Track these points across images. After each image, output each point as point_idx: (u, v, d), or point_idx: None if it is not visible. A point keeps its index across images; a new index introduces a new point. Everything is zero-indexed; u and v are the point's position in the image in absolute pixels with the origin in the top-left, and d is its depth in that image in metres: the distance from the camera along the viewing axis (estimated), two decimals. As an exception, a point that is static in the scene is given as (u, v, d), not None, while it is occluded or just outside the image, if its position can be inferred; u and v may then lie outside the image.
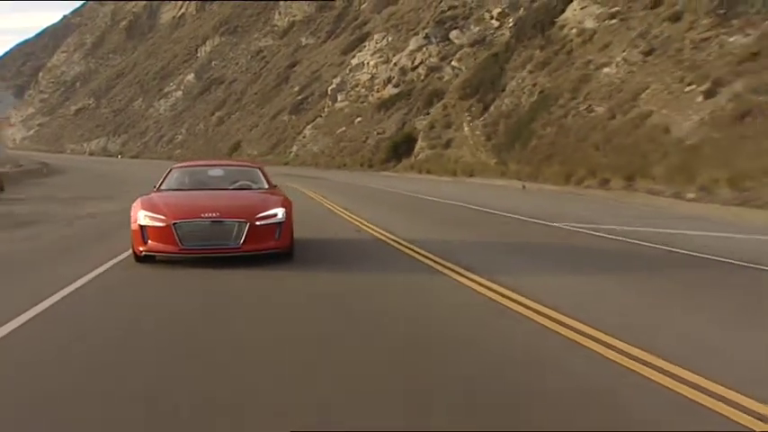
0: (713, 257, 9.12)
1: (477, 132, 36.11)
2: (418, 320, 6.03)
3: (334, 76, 64.83)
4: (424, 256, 9.29)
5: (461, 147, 37.16)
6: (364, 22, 74.55)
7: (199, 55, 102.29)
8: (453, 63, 50.69)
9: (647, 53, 28.79)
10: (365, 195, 24.04)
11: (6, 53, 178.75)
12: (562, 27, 36.35)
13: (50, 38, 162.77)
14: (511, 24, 43.08)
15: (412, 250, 9.85)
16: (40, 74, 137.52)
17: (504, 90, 37.06)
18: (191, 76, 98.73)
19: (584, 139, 28.23)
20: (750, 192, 16.58)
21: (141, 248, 8.25)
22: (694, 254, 9.42)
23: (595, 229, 12.60)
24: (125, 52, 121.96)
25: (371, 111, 54.88)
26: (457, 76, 46.66)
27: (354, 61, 62.88)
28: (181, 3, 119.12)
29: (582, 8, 35.97)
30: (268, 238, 8.25)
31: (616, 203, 19.45)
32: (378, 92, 56.13)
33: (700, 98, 23.13)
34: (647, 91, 26.49)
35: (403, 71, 54.95)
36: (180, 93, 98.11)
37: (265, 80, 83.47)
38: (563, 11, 37.16)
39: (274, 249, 8.33)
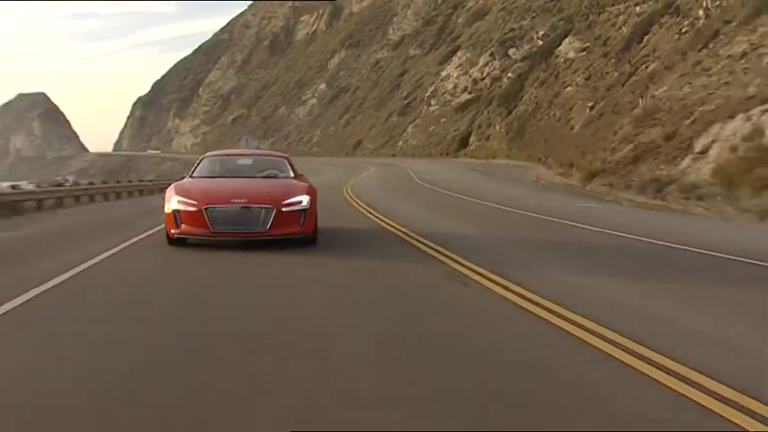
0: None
1: (502, 129, 58.17)
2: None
3: (431, 84, 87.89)
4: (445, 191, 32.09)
5: (493, 139, 59.38)
6: (458, 35, 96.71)
7: (329, 67, 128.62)
8: (509, 74, 72.22)
9: (587, 78, 49.80)
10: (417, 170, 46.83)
11: (170, 70, 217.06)
12: (557, 56, 57.47)
13: (204, 54, 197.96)
14: (525, 55, 64.41)
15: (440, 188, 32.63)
16: (201, 89, 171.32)
17: (521, 99, 58.76)
18: (323, 86, 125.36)
19: (551, 136, 49.74)
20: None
21: (174, 231, 9.20)
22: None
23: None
24: (269, 67, 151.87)
25: (452, 113, 77.57)
26: (504, 87, 68.37)
27: (444, 73, 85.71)
28: (313, 20, 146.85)
29: (570, 43, 56.94)
30: (293, 223, 9.14)
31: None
32: (457, 98, 78.68)
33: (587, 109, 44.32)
34: (577, 105, 47.70)
35: (475, 81, 77.20)
36: (314, 100, 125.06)
37: (381, 87, 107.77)
38: (559, 44, 58.20)
39: (299, 234, 9.25)
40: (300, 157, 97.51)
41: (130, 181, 38.82)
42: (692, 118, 19.39)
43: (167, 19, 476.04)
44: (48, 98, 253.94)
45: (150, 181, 39.45)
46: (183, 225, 9.05)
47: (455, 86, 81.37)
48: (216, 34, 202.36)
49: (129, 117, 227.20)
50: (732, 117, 17.21)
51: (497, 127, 59.77)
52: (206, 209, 8.89)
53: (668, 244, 10.45)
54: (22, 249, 10.22)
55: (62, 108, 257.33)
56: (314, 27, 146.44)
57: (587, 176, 23.37)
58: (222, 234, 9.04)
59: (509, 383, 4.00)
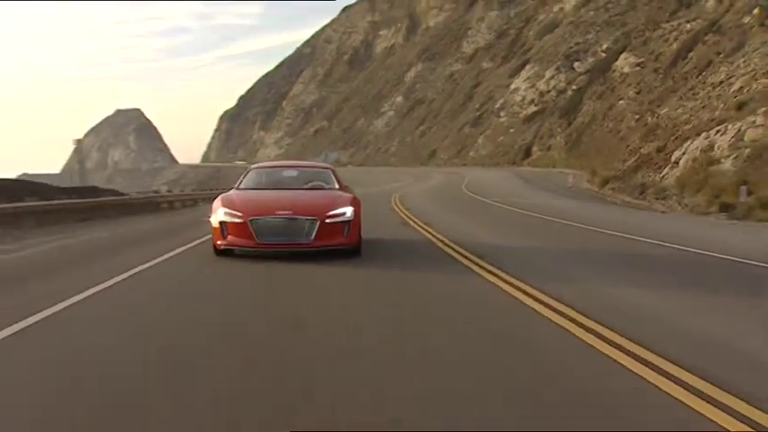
0: None
1: (562, 140, 63.32)
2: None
3: (501, 96, 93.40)
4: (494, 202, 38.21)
5: (554, 149, 64.59)
6: (528, 48, 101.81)
7: (405, 79, 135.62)
8: (573, 87, 77.11)
9: (638, 92, 54.53)
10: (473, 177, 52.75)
11: (255, 84, 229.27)
12: (614, 70, 62.26)
13: (287, 68, 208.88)
14: (588, 68, 69.24)
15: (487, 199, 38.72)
16: (284, 102, 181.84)
17: (579, 111, 63.77)
18: (400, 98, 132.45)
19: (602, 147, 54.70)
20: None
21: (220, 242, 9.47)
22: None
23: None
24: (349, 80, 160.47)
25: (519, 124, 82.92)
26: (565, 99, 73.38)
27: (513, 86, 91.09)
28: (391, 35, 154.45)
29: (625, 58, 61.66)
30: (337, 234, 9.34)
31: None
32: (524, 109, 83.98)
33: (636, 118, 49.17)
34: (626, 118, 52.51)
35: (541, 94, 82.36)
36: (392, 112, 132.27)
37: (455, 99, 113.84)
38: (616, 59, 62.94)
39: (343, 246, 9.45)
40: (378, 167, 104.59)
41: (224, 188, 46.53)
42: (677, 135, 24.69)
43: (252, 31, 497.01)
44: (142, 113, 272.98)
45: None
46: (229, 236, 9.35)
47: (523, 98, 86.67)
48: (298, 49, 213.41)
49: (216, 130, 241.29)
50: (699, 135, 22.51)
51: (557, 138, 64.92)
52: (251, 220, 9.18)
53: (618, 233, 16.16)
54: (171, 231, 15.98)
55: (154, 122, 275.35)
56: (392, 41, 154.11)
57: (602, 182, 28.87)
58: (267, 245, 9.30)
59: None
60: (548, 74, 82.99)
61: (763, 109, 19.77)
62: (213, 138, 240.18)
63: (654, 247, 11.60)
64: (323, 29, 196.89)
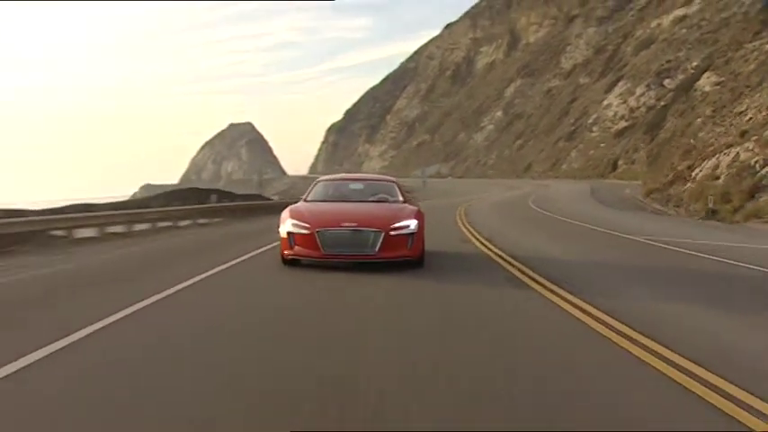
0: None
1: (644, 155, 68.47)
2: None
3: (595, 112, 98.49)
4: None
5: (637, 163, 69.76)
6: (624, 64, 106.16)
7: (505, 95, 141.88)
8: (661, 103, 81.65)
9: (714, 111, 59.26)
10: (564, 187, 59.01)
11: (360, 98, 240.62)
12: (695, 90, 66.91)
13: (392, 83, 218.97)
14: (676, 86, 73.90)
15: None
16: (388, 116, 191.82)
17: (662, 128, 68.70)
18: (499, 113, 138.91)
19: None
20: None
21: (287, 252, 9.98)
22: None
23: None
24: (450, 95, 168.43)
25: (610, 138, 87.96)
26: (650, 116, 78.12)
27: (606, 102, 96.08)
28: (492, 50, 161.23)
29: (707, 77, 66.23)
30: (401, 246, 9.72)
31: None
32: (615, 125, 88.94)
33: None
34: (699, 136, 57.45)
35: (631, 110, 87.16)
36: (491, 126, 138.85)
37: (552, 114, 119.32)
38: (698, 79, 67.56)
39: (406, 257, 9.82)
40: (476, 179, 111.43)
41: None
42: (702, 155, 30.74)
43: (359, 44, 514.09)
44: (253, 127, 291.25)
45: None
46: (296, 247, 9.79)
47: (615, 114, 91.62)
48: (402, 64, 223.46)
49: (323, 142, 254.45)
50: (713, 156, 28.59)
51: (640, 152, 70.05)
52: (318, 232, 9.56)
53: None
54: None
55: (265, 135, 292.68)
56: (492, 57, 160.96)
57: (647, 193, 35.03)
58: (332, 256, 9.63)
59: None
60: (638, 90, 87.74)
61: (755, 137, 25.62)
62: (320, 150, 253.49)
63: (617, 237, 18.35)
64: (426, 45, 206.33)
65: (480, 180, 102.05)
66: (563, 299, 7.63)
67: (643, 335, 5.76)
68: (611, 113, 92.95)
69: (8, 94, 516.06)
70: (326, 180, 12.38)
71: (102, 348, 5.38)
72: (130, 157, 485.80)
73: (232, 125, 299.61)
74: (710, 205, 23.17)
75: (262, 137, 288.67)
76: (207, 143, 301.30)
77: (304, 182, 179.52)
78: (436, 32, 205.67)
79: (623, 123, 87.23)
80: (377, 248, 9.51)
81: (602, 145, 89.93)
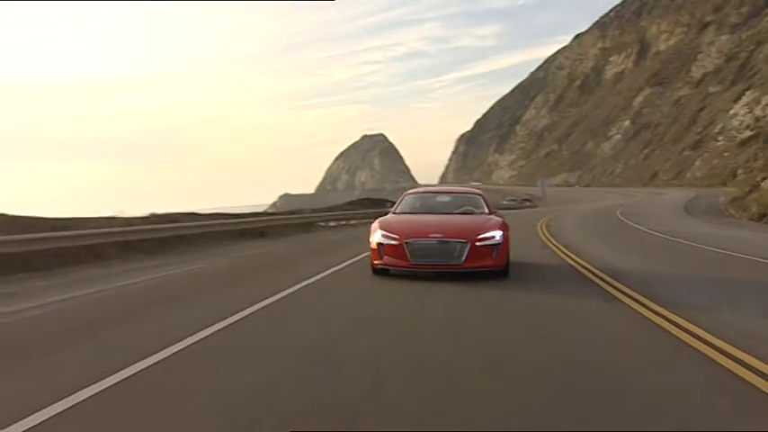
0: None
1: (761, 164, 71.68)
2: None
3: (721, 121, 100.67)
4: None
5: (756, 171, 72.92)
6: (755, 72, 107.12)
7: (633, 104, 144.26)
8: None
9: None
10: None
11: (489, 108, 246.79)
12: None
13: (521, 92, 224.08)
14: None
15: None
16: (517, 126, 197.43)
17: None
18: (627, 122, 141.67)
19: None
20: None
21: (377, 262, 10.55)
22: None
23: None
24: (578, 105, 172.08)
25: (734, 148, 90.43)
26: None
27: (732, 111, 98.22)
28: (621, 60, 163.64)
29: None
30: (486, 256, 10.11)
31: None
32: (740, 134, 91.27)
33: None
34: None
35: (756, 119, 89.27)
36: (619, 136, 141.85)
37: (680, 123, 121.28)
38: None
39: (492, 267, 10.18)
40: (601, 188, 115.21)
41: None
42: (775, 168, 36.04)
43: (488, 52, 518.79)
44: (386, 138, 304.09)
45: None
46: (385, 257, 10.35)
47: (740, 123, 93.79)
48: (532, 74, 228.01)
49: (453, 152, 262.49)
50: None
51: (759, 161, 73.06)
52: (406, 242, 10.10)
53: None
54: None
55: (396, 145, 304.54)
56: (621, 67, 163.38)
57: (731, 200, 40.35)
58: (420, 266, 10.12)
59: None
60: (765, 99, 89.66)
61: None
62: (451, 159, 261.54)
63: (668, 241, 24.81)
64: (555, 55, 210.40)
65: (603, 189, 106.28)
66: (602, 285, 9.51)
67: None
68: (736, 123, 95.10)
69: (168, 107, 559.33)
70: (414, 193, 13.01)
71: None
72: (268, 167, 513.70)
73: (365, 136, 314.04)
74: (755, 209, 28.83)
75: (393, 147, 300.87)
76: (341, 154, 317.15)
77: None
78: (566, 40, 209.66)
79: (747, 133, 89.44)
80: (463, 258, 9.96)
81: (725, 154, 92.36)
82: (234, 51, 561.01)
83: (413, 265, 10.08)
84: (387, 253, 10.31)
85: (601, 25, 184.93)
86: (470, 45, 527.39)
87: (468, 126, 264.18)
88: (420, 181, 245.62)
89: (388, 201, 42.40)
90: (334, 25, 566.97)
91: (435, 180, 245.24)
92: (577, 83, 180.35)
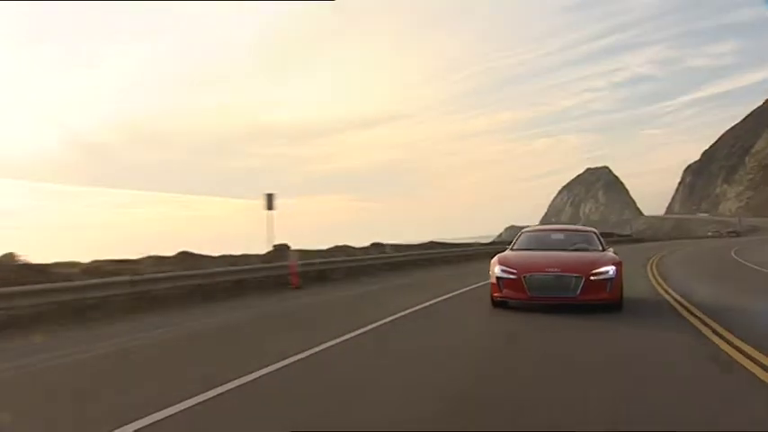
0: None
1: None
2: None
3: None
4: None
5: None
6: None
7: None
8: None
9: None
10: None
11: (718, 139, 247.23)
12: None
13: (753, 119, 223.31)
14: None
15: None
16: (746, 158, 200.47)
17: None
18: None
19: None
20: None
21: (497, 295, 11.75)
22: None
23: None
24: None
25: None
26: None
27: None
28: None
29: None
30: (600, 290, 11.00)
31: None
32: None
33: None
34: None
35: None
36: None
37: None
38: None
39: (605, 301, 11.07)
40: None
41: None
42: None
43: (723, 72, 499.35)
44: (610, 171, 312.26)
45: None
46: (504, 290, 11.52)
47: None
48: (766, 101, 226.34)
49: (679, 183, 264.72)
50: None
51: None
52: (524, 277, 11.20)
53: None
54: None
55: (619, 175, 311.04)
56: None
57: None
58: (537, 299, 11.21)
59: None
60: None
61: None
62: (677, 190, 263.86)
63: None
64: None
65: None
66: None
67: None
68: None
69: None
70: (530, 231, 14.28)
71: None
72: (493, 199, 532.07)
73: (589, 169, 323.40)
74: None
75: (617, 179, 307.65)
76: (564, 187, 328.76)
77: (661, 222, 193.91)
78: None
79: None
80: (578, 292, 10.90)
81: None
82: (460, 87, 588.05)
83: (530, 297, 11.27)
84: (505, 286, 11.56)
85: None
86: (700, 66, 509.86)
87: (695, 155, 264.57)
88: (645, 212, 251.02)
89: (614, 233, 57.19)
90: (553, 55, 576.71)
91: (662, 211, 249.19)
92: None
